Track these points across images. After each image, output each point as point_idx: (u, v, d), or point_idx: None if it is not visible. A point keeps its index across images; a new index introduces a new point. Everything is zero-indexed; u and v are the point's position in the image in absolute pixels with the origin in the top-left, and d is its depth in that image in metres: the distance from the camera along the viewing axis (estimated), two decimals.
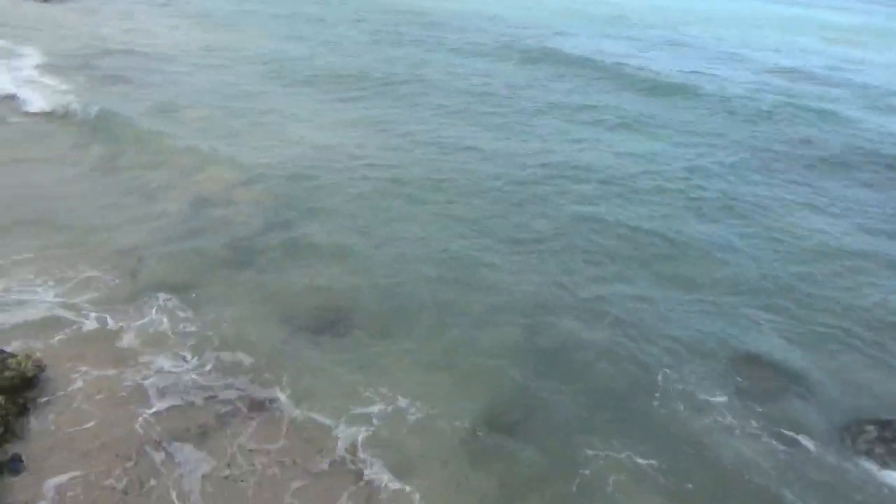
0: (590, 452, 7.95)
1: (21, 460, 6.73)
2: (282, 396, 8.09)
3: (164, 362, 8.44)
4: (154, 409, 7.66)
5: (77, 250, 10.80)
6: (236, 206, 12.97)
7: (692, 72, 30.79)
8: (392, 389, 8.41)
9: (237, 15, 35.51)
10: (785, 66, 35.06)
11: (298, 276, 10.78)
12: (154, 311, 9.45)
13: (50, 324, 8.83)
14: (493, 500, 7.15)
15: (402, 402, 8.23)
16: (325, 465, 7.22)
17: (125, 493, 6.58)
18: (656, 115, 22.76)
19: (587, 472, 7.69)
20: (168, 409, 7.69)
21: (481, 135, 18.82)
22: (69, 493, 6.50)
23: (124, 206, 12.67)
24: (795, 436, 8.43)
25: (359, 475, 7.14)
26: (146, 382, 8.04)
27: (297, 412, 7.88)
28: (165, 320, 9.24)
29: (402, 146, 17.25)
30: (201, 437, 7.39)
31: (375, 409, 8.06)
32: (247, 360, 8.66)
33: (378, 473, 7.17)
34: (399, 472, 7.20)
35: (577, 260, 12.12)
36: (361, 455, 7.38)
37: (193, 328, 9.17)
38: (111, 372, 8.15)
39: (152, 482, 6.76)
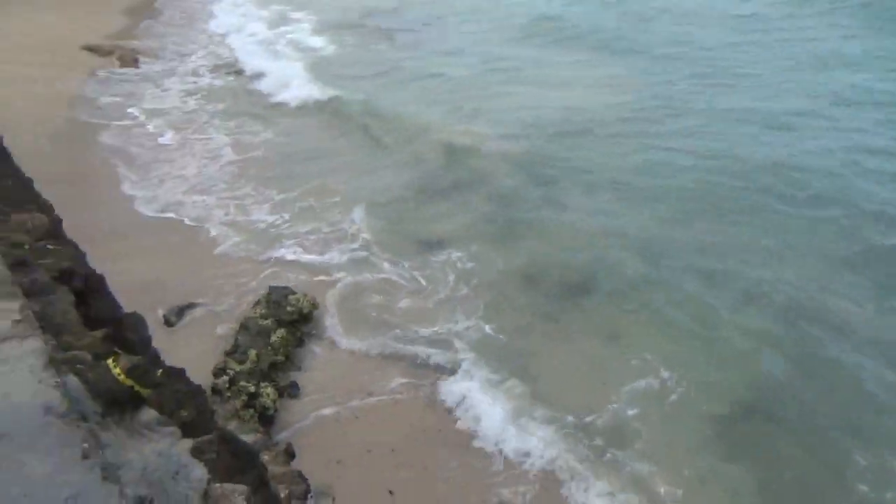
0: (862, 463, 6.79)
1: (297, 387, 7.66)
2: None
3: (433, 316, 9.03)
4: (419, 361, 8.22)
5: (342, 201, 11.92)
6: (493, 162, 13.19)
7: None
8: (644, 364, 7.94)
9: None
10: None
11: (550, 235, 10.67)
12: (415, 263, 10.06)
13: (323, 269, 9.88)
14: (748, 501, 6.46)
15: (654, 381, 7.73)
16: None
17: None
18: None
19: (864, 487, 6.59)
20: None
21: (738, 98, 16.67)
22: (334, 420, 7.26)
23: (379, 158, 13.67)
24: None
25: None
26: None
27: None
28: (420, 271, 9.84)
29: (661, 108, 16.01)
30: None
31: (624, 387, 7.68)
32: (504, 323, 8.81)
33: (620, 453, 6.86)
34: (643, 455, 6.80)
35: (864, 256, 10.15)
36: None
37: (446, 278, 9.64)
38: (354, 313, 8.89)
39: None
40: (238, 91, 17.48)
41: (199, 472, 2.54)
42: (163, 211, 11.36)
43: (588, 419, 7.22)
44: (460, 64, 19.96)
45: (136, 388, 2.73)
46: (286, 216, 11.29)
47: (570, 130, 14.56)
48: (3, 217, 3.97)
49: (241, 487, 2.30)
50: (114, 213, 11.07)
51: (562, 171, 12.76)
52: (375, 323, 8.68)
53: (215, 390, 6.91)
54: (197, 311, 8.71)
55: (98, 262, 8.77)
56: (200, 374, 7.28)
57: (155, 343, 7.66)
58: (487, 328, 8.57)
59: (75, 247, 4.70)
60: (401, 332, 8.48)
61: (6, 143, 8.81)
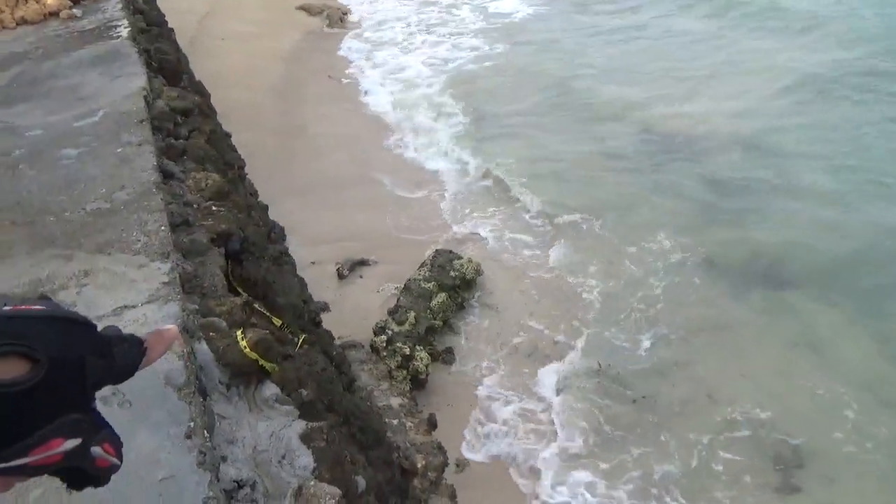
0: None
1: (452, 353, 7.68)
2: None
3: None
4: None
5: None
6: (707, 144, 12.12)
7: None
8: (829, 377, 6.87)
9: None
10: None
11: (744, 220, 9.62)
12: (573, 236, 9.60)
13: (490, 237, 9.77)
14: None
15: (831, 395, 6.65)
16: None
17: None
18: None
19: None
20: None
21: None
22: (492, 390, 7.19)
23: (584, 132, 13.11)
24: None
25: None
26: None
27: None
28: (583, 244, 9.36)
29: None
30: None
31: (803, 403, 6.70)
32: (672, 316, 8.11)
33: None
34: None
35: None
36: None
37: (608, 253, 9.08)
38: (533, 290, 8.62)
39: None
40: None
41: (306, 460, 2.51)
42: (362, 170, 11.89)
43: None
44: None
45: (262, 362, 2.76)
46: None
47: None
48: (184, 175, 4.26)
49: (335, 490, 2.20)
50: (316, 167, 11.78)
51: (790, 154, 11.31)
52: (540, 303, 8.42)
53: (374, 348, 7.14)
54: (370, 268, 9.06)
55: (291, 213, 9.55)
56: (363, 330, 7.61)
57: (326, 296, 8.19)
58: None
59: (251, 206, 4.96)
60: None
61: (219, 96, 9.71)
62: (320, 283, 8.28)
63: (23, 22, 7.08)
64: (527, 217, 10.16)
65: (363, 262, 9.03)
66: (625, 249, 9.09)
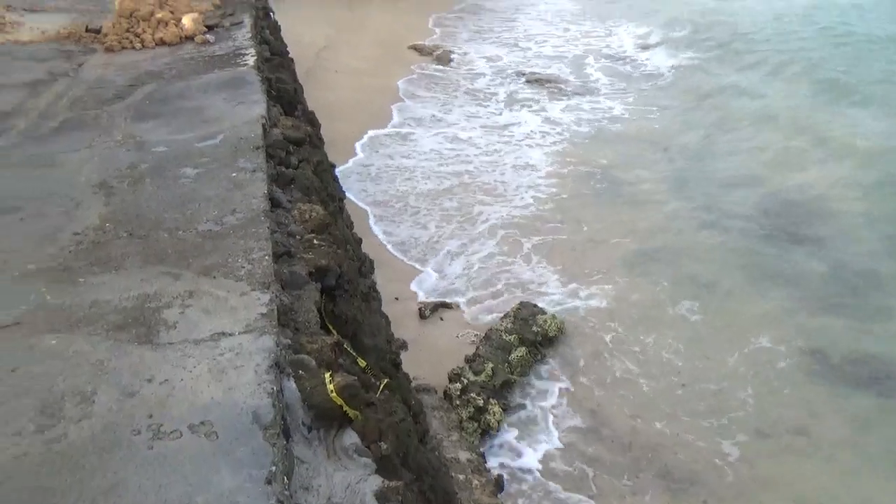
0: None
1: (525, 409, 7.43)
2: None
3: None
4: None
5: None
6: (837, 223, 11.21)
7: None
8: None
9: None
10: None
11: (863, 315, 8.86)
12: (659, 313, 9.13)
13: (575, 297, 9.46)
14: None
15: None
16: None
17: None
18: None
19: None
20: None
21: None
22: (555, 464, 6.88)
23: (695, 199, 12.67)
24: None
25: None
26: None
27: None
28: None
29: None
30: None
31: None
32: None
33: None
34: None
35: None
36: None
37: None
38: (611, 361, 8.25)
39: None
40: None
41: None
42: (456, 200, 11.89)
43: None
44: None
45: (345, 409, 2.70)
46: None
47: None
48: (290, 205, 4.35)
49: None
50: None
51: None
52: (614, 378, 8.02)
53: (447, 395, 7.01)
54: (452, 311, 8.99)
55: (377, 246, 9.68)
56: (438, 374, 7.50)
57: (405, 333, 8.16)
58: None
59: (346, 239, 5.01)
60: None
61: (327, 126, 10.05)
62: (401, 321, 8.27)
63: (161, 43, 7.61)
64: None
65: (445, 305, 8.98)
66: (717, 333, 8.51)
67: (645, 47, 21.90)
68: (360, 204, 11.42)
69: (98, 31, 7.94)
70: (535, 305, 8.56)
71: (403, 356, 6.77)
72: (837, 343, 8.20)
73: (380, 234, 10.67)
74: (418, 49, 20.51)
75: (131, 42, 7.53)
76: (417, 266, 9.90)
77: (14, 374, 2.56)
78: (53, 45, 7.75)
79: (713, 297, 9.20)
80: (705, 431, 7.09)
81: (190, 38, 7.65)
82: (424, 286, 9.42)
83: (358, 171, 12.75)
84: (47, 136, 5.06)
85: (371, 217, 11.16)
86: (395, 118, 15.35)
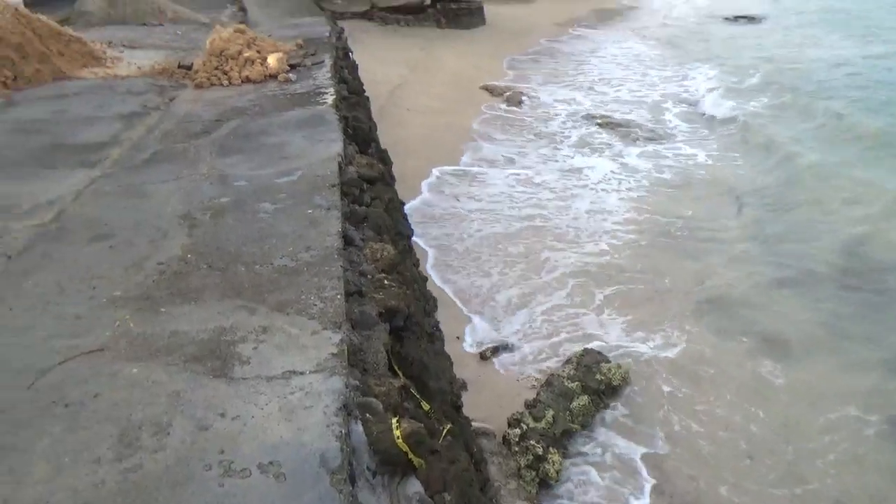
0: None
1: (586, 457, 7.19)
2: None
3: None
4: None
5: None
6: None
7: None
8: None
9: None
10: None
11: None
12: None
13: (643, 348, 9.15)
14: None
15: None
16: None
17: None
18: None
19: None
20: None
21: None
22: None
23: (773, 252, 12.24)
24: None
25: None
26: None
27: None
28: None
29: None
30: None
31: None
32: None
33: None
34: None
35: None
36: None
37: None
38: (675, 420, 7.91)
39: None
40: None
41: None
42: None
43: None
44: None
45: (411, 456, 2.67)
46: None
47: None
48: (362, 243, 4.42)
49: None
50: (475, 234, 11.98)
51: None
52: (678, 434, 7.68)
53: (505, 440, 6.87)
54: (513, 353, 8.85)
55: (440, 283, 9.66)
56: (497, 417, 7.37)
57: (465, 373, 8.08)
58: None
59: (414, 279, 5.03)
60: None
61: (398, 163, 10.24)
62: (462, 360, 8.20)
63: (247, 80, 7.98)
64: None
65: (507, 347, 8.87)
66: (795, 395, 8.06)
67: (720, 93, 21.47)
68: (422, 244, 11.40)
69: (189, 68, 8.41)
70: (600, 353, 8.34)
71: (463, 397, 6.69)
72: None
73: (437, 279, 10.52)
74: (490, 90, 20.78)
75: (219, 79, 7.93)
76: (475, 317, 9.67)
77: (96, 400, 2.65)
78: (148, 79, 8.25)
79: (791, 356, 8.73)
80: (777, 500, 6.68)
81: (274, 77, 8.00)
82: (480, 335, 9.20)
83: (423, 209, 12.84)
84: (139, 167, 5.34)
85: (430, 258, 11.08)
86: (465, 158, 15.49)
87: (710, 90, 21.90)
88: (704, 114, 19.83)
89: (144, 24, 12.06)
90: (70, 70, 8.28)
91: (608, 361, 8.18)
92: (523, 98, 20.31)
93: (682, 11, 38.67)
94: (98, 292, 3.45)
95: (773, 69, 23.70)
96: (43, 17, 8.66)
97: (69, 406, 2.61)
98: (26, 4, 9.85)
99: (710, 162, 16.03)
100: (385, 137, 10.52)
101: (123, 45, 10.04)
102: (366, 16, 27.10)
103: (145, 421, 2.52)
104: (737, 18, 35.33)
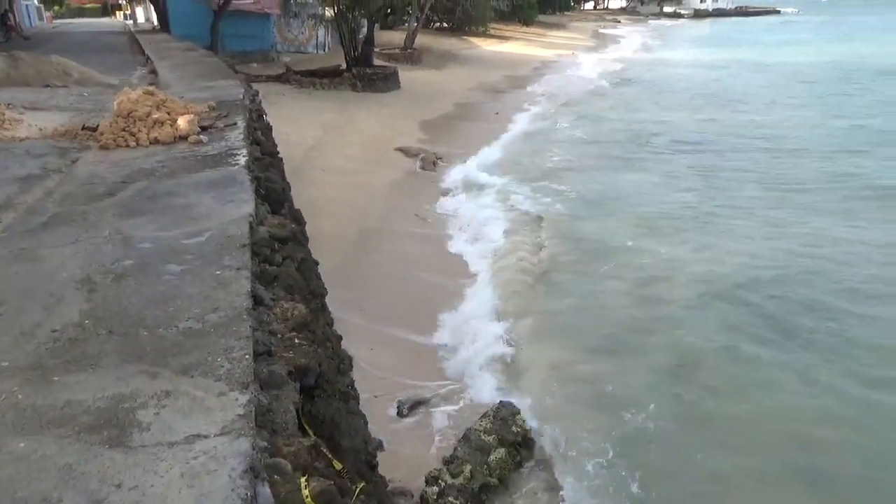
0: None
1: None
2: None
3: None
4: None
5: None
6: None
7: None
8: None
9: None
10: None
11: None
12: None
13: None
14: None
15: None
16: None
17: None
18: None
19: None
20: None
21: None
22: None
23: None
24: None
25: None
26: None
27: None
28: None
29: None
30: None
31: None
32: None
33: None
34: None
35: None
36: None
37: None
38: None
39: None
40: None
41: None
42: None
43: None
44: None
45: None
46: None
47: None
48: (272, 303, 4.39)
49: None
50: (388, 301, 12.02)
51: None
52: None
53: (423, 499, 6.79)
54: (432, 409, 8.84)
55: (356, 343, 9.59)
56: (414, 475, 7.29)
57: (382, 433, 7.98)
58: None
59: (327, 337, 5.02)
60: None
61: (311, 223, 10.21)
62: (378, 418, 8.10)
63: (155, 142, 7.85)
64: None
65: (424, 402, 8.86)
66: None
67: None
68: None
69: (94, 129, 8.20)
70: (514, 405, 8.46)
71: (379, 457, 6.60)
72: None
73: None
74: (404, 151, 21.26)
75: (126, 140, 7.76)
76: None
77: None
78: (50, 141, 7.98)
79: None
80: None
81: (184, 138, 7.92)
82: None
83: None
84: (34, 230, 5.12)
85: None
86: (375, 216, 15.69)
87: None
88: None
89: (48, 86, 11.70)
90: None
91: (519, 413, 8.30)
92: (437, 160, 20.87)
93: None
94: None
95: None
96: None
97: None
98: None
99: None
100: (300, 198, 10.51)
101: (24, 107, 9.68)
102: (281, 79, 27.36)
103: (31, 498, 2.38)
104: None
